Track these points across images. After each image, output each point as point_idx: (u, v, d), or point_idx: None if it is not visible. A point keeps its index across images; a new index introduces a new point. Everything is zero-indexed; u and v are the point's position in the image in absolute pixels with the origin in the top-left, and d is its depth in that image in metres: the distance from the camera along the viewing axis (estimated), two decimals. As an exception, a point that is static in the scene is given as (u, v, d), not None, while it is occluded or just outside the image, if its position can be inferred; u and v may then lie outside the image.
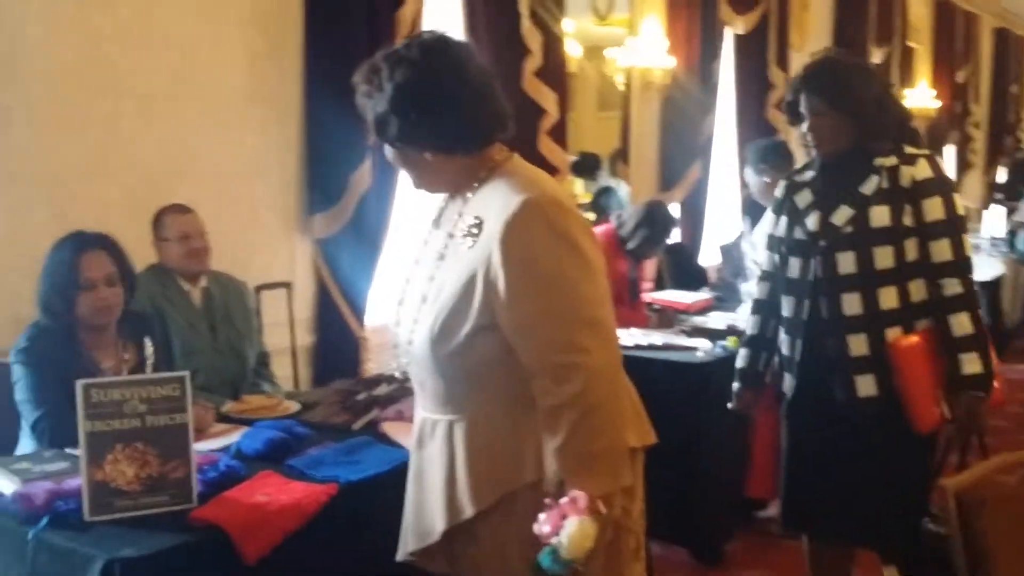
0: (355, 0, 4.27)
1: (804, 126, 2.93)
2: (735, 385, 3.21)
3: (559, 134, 5.41)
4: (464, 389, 2.05)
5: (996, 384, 2.90)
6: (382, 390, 3.03)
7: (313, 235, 4.42)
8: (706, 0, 6.66)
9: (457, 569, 2.12)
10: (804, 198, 2.98)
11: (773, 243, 3.08)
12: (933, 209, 2.84)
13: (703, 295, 5.15)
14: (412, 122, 1.99)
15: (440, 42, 2.04)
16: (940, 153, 11.50)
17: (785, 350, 3.01)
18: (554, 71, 5.33)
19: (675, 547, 4.11)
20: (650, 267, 5.70)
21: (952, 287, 2.84)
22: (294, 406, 3.13)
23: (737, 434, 4.02)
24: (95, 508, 2.24)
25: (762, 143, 4.79)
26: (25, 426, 2.93)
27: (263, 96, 4.25)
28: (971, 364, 2.83)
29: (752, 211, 5.11)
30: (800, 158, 3.25)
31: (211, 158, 4.10)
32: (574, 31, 6.26)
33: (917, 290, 2.87)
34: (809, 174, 3.03)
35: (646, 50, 6.36)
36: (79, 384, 2.25)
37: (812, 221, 2.93)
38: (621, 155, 6.68)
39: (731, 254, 5.17)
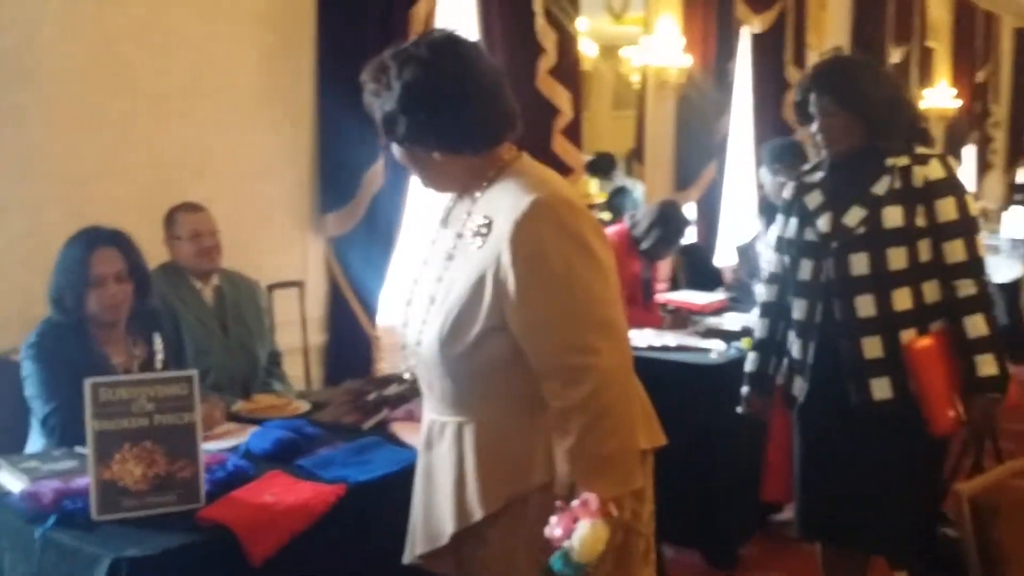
0: (369, -1, 4.27)
1: (814, 126, 2.90)
2: (744, 389, 3.18)
3: (573, 133, 5.39)
4: (473, 391, 2.03)
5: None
6: (392, 390, 3.02)
7: (326, 234, 4.41)
8: (723, -2, 6.65)
9: (465, 572, 2.10)
10: (814, 199, 2.95)
11: (782, 245, 3.05)
12: (946, 209, 2.81)
13: (718, 296, 5.11)
14: (420, 121, 1.97)
15: (449, 40, 2.03)
16: (959, 154, 11.44)
17: (796, 353, 2.98)
18: (568, 70, 5.31)
19: (689, 550, 4.08)
20: (664, 267, 5.69)
21: (966, 288, 2.81)
22: (304, 406, 3.12)
23: (752, 436, 3.98)
24: (102, 507, 2.24)
25: (776, 143, 4.76)
26: (35, 423, 2.94)
27: (276, 95, 4.24)
28: (986, 366, 2.80)
29: (767, 211, 5.07)
30: (815, 158, 3.21)
31: (224, 157, 4.10)
32: (589, 30, 6.24)
33: (931, 291, 2.84)
34: (819, 175, 2.99)
35: (661, 49, 6.33)
36: (87, 383, 2.25)
37: (823, 222, 2.90)
38: (636, 155, 6.66)
39: (747, 255, 5.13)
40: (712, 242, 6.91)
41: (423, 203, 4.46)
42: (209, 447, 2.65)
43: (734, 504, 4.06)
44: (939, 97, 10.87)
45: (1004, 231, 8.54)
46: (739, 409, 3.20)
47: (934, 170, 2.83)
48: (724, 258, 6.76)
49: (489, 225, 1.99)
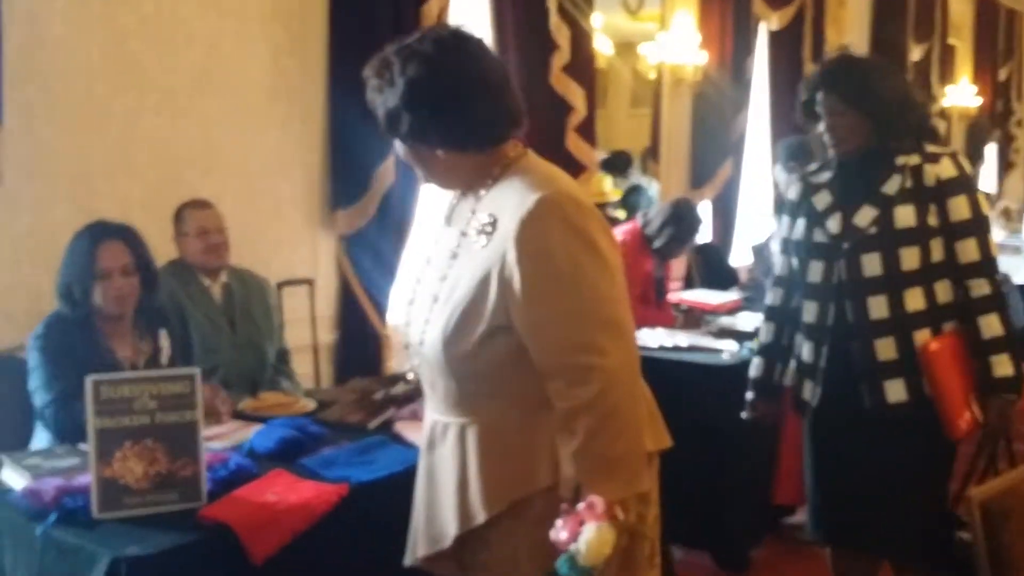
0: (380, -5, 4.25)
1: (821, 126, 2.86)
2: (748, 395, 3.14)
3: (587, 131, 5.35)
4: (477, 391, 2.00)
5: None
6: (399, 389, 3.01)
7: (336, 231, 4.40)
8: (740, -5, 6.61)
9: (467, 574, 2.07)
10: (823, 199, 2.90)
11: (788, 247, 3.01)
12: (959, 208, 2.77)
13: (732, 295, 5.07)
14: (424, 118, 1.94)
15: (454, 36, 2.00)
16: (981, 153, 11.35)
17: (808, 357, 2.93)
18: (582, 67, 5.28)
19: (699, 552, 4.05)
20: (679, 266, 5.65)
21: (980, 288, 2.78)
22: (310, 404, 3.11)
23: (763, 438, 3.96)
24: (103, 505, 2.23)
25: (791, 141, 4.72)
26: (38, 433, 2.95)
27: (286, 92, 4.23)
28: (1002, 366, 2.76)
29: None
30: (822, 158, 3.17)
31: (234, 154, 4.09)
32: (604, 26, 6.21)
33: (943, 291, 2.80)
34: (826, 175, 2.95)
35: (677, 46, 6.29)
36: (88, 380, 2.24)
37: (834, 223, 2.85)
38: (651, 153, 6.62)
39: (762, 254, 5.09)
40: (728, 241, 6.86)
41: (434, 200, 4.45)
42: (214, 445, 2.64)
43: (745, 506, 4.03)
44: (961, 95, 10.79)
45: (1027, 231, 8.46)
46: (743, 415, 3.16)
47: (946, 168, 2.79)
48: (740, 257, 6.72)
49: (494, 223, 1.96)
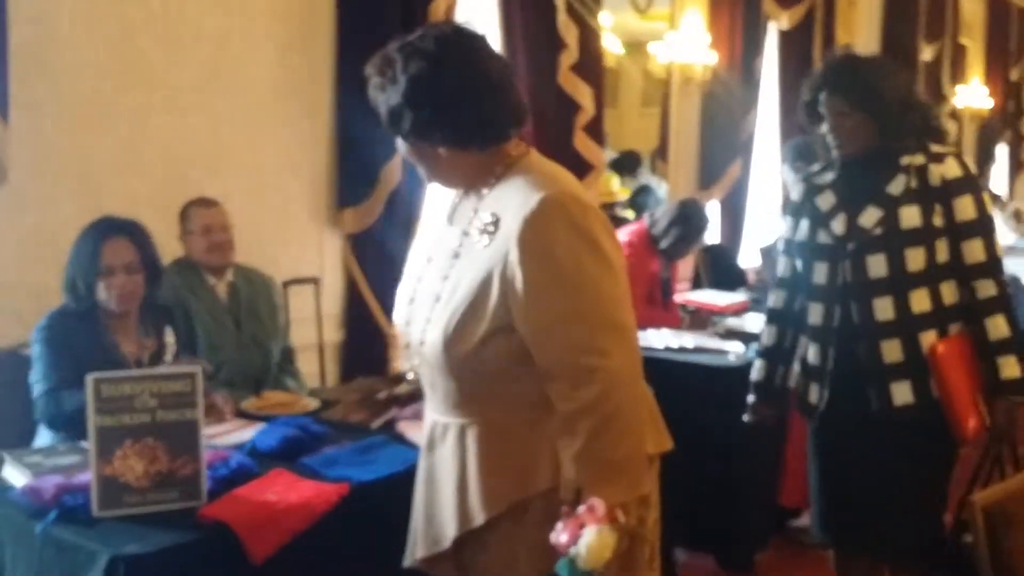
0: (387, -7, 4.25)
1: (824, 127, 2.84)
2: (749, 398, 3.13)
3: (595, 130, 5.34)
4: (477, 392, 1.99)
5: None
6: (402, 389, 3.00)
7: (343, 230, 4.39)
8: (749, -6, 6.59)
9: (465, 576, 2.07)
10: (827, 200, 2.89)
11: (793, 248, 2.99)
12: (965, 208, 2.75)
13: (739, 296, 5.06)
14: (426, 116, 1.93)
15: (456, 33, 1.99)
16: (992, 153, 11.30)
17: (814, 359, 2.92)
18: (591, 66, 5.27)
19: (703, 554, 4.04)
20: (686, 267, 5.63)
21: (986, 289, 2.76)
22: (313, 403, 3.10)
23: (770, 440, 3.94)
24: (103, 503, 2.22)
25: (799, 141, 4.70)
26: (42, 429, 2.96)
27: (294, 90, 4.23)
28: (1009, 368, 2.75)
29: (791, 211, 5.02)
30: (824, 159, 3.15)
31: (241, 152, 4.09)
32: (613, 25, 6.19)
33: (949, 292, 2.79)
34: (829, 176, 2.93)
35: (687, 45, 6.27)
36: (89, 378, 2.24)
37: (838, 224, 2.83)
38: (660, 153, 6.60)
39: (770, 255, 5.07)
40: (736, 242, 6.84)
41: (440, 199, 4.45)
42: (216, 444, 2.64)
43: (749, 508, 4.01)
44: (972, 96, 10.74)
45: (1037, 232, 8.43)
46: (745, 417, 3.14)
47: (951, 168, 2.77)
48: (749, 258, 6.70)
49: (496, 223, 1.96)
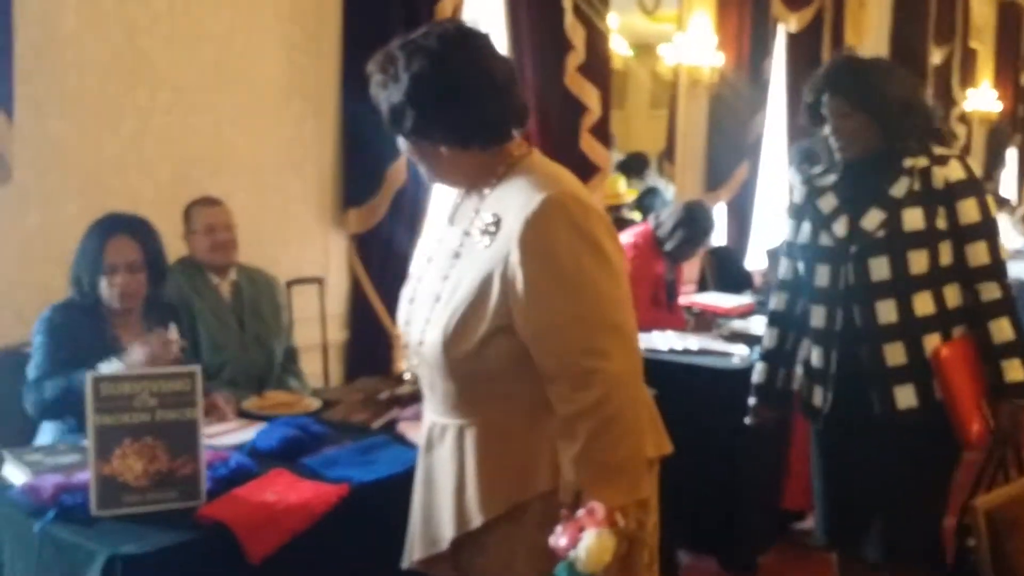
0: (394, -7, 4.24)
1: (826, 128, 2.83)
2: (751, 400, 3.11)
3: (602, 131, 5.33)
4: (477, 393, 1.98)
5: None
6: (404, 389, 2.99)
7: (348, 230, 4.39)
8: (757, -4, 6.57)
9: (463, 578, 2.06)
10: (828, 202, 2.87)
11: (793, 251, 2.98)
12: (968, 211, 2.73)
13: (744, 299, 5.04)
14: (428, 114, 1.92)
15: (459, 32, 1.98)
16: (1003, 157, 11.26)
17: (817, 362, 2.90)
18: (598, 67, 5.26)
19: (706, 557, 4.03)
20: (692, 269, 5.62)
21: (990, 292, 2.75)
22: (315, 403, 3.10)
23: (774, 443, 3.93)
24: (102, 503, 2.22)
25: (805, 143, 4.69)
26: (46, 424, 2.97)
27: (299, 89, 4.23)
28: (1013, 371, 2.73)
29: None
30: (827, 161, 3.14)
31: (246, 151, 4.09)
32: (621, 27, 6.18)
33: (953, 295, 2.77)
34: (831, 177, 2.91)
35: (694, 47, 6.25)
36: (89, 376, 2.24)
37: (840, 226, 2.82)
38: (667, 154, 6.59)
39: (777, 258, 5.05)
40: (744, 244, 6.82)
41: (445, 200, 4.44)
42: (215, 443, 2.64)
43: (754, 511, 4.00)
44: (982, 99, 10.71)
45: (1046, 237, 8.38)
46: (747, 420, 3.13)
47: (954, 171, 2.75)
48: (756, 261, 6.68)
49: (498, 223, 1.94)
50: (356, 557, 2.38)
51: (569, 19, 5.07)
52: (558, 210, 1.89)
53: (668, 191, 6.83)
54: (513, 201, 1.93)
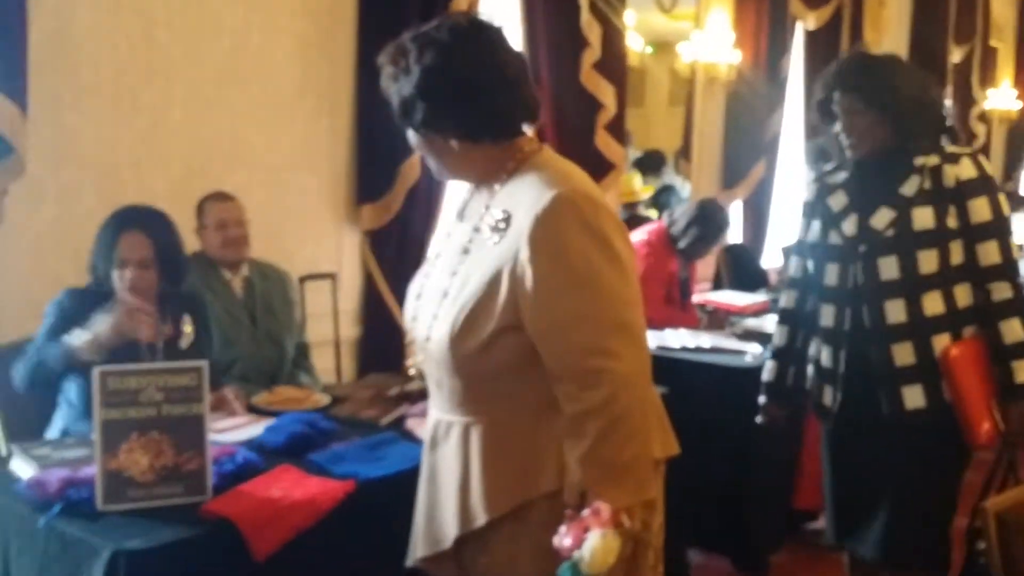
0: (408, -11, 4.23)
1: (837, 126, 2.81)
2: (761, 399, 3.09)
3: (617, 129, 5.32)
4: (483, 391, 1.96)
5: None
6: (413, 385, 2.99)
7: (361, 226, 4.39)
8: (776, -6, 6.54)
9: (467, 577, 2.05)
10: (838, 200, 2.85)
11: (803, 249, 2.96)
12: (979, 210, 2.70)
13: (758, 297, 5.01)
14: (439, 107, 1.91)
15: (472, 25, 1.96)
16: (1023, 158, 11.17)
17: (826, 362, 2.88)
18: (613, 64, 5.25)
19: (718, 556, 4.01)
20: (707, 267, 5.59)
21: (1002, 291, 2.71)
22: (324, 399, 3.09)
23: (786, 442, 3.91)
24: (108, 497, 2.22)
25: (820, 141, 4.66)
26: (60, 408, 2.98)
27: (314, 85, 4.23)
28: None
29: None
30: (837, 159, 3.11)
31: (260, 147, 4.10)
32: (638, 24, 6.17)
33: (963, 295, 2.74)
34: (842, 175, 2.89)
35: (712, 44, 6.23)
36: (96, 371, 2.23)
37: (849, 225, 2.80)
38: (684, 152, 6.57)
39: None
40: (760, 242, 6.79)
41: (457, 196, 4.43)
42: (224, 439, 2.64)
43: (765, 510, 3.98)
44: (1002, 98, 10.63)
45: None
46: (758, 419, 3.11)
47: (966, 169, 2.72)
48: (772, 259, 6.65)
49: (508, 219, 1.93)
50: (362, 554, 2.37)
51: (585, 16, 5.06)
52: (569, 208, 1.87)
53: (684, 189, 6.81)
54: (524, 197, 1.92)
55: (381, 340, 4.46)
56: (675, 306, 4.53)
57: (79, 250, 3.08)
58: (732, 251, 6.19)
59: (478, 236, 1.99)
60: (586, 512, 1.81)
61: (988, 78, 10.33)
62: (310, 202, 4.30)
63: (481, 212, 2.01)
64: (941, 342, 2.71)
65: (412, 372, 2.65)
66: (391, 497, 2.39)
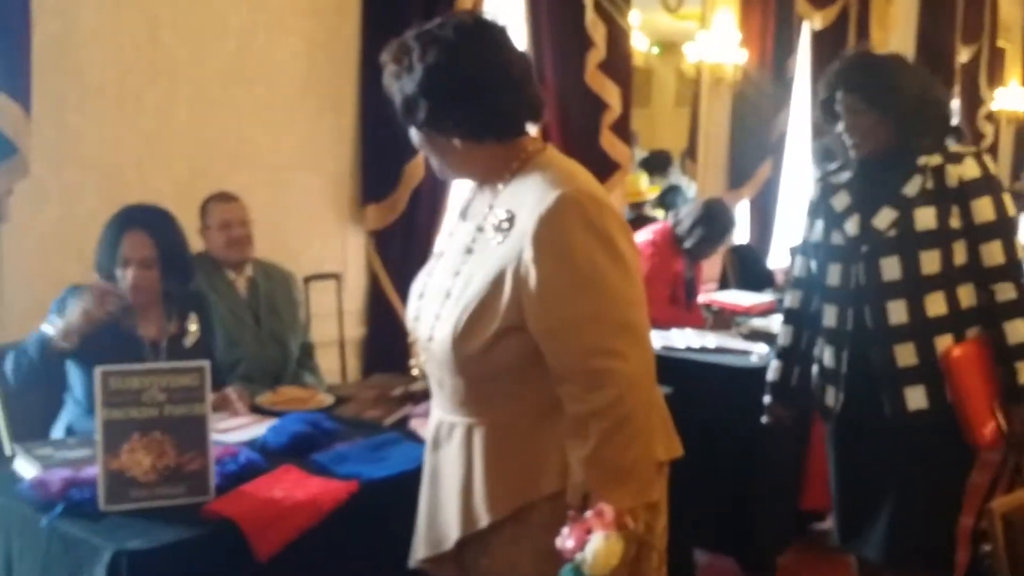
0: (413, -11, 4.22)
1: (840, 125, 2.79)
2: (766, 399, 3.08)
3: (622, 129, 5.31)
4: (486, 391, 1.95)
5: None
6: (417, 386, 2.98)
7: (366, 226, 4.38)
8: (782, -7, 6.52)
9: (468, 579, 2.04)
10: (841, 200, 2.84)
11: (808, 249, 2.94)
12: (983, 210, 2.68)
13: (764, 297, 5.00)
14: (442, 106, 1.89)
15: (476, 23, 1.95)
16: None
17: (829, 362, 2.87)
18: (618, 64, 5.24)
19: (724, 557, 3.99)
20: (713, 267, 5.58)
21: (1005, 292, 2.70)
22: (328, 399, 3.08)
23: (793, 442, 3.90)
24: (110, 498, 2.21)
25: (826, 140, 4.65)
26: (66, 406, 2.99)
27: (318, 85, 4.23)
28: None
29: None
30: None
31: (264, 147, 4.09)
32: (643, 24, 6.16)
33: (966, 295, 2.72)
34: (846, 175, 2.87)
35: (717, 44, 6.22)
36: (97, 370, 2.23)
37: (852, 225, 2.78)
38: (690, 152, 6.56)
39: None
40: (766, 242, 6.78)
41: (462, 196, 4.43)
42: (227, 439, 2.63)
43: (772, 510, 3.96)
44: (1010, 98, 10.59)
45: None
46: (763, 419, 3.10)
47: (969, 169, 2.70)
48: (779, 259, 6.63)
49: (511, 219, 1.91)
50: (364, 555, 2.36)
51: (590, 16, 5.06)
52: (573, 208, 1.85)
53: (690, 189, 6.80)
54: (527, 197, 1.90)
55: (386, 340, 4.46)
56: (680, 306, 4.52)
57: (83, 250, 3.08)
58: (738, 251, 6.18)
59: (481, 236, 1.97)
60: (589, 514, 1.80)
61: (996, 78, 10.29)
62: (315, 202, 4.30)
63: (484, 211, 1.99)
64: (943, 343, 2.70)
65: (415, 372, 2.63)
66: (394, 498, 2.38)
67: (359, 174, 4.38)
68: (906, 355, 2.71)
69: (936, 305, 2.70)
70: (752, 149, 6.52)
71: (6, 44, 3.16)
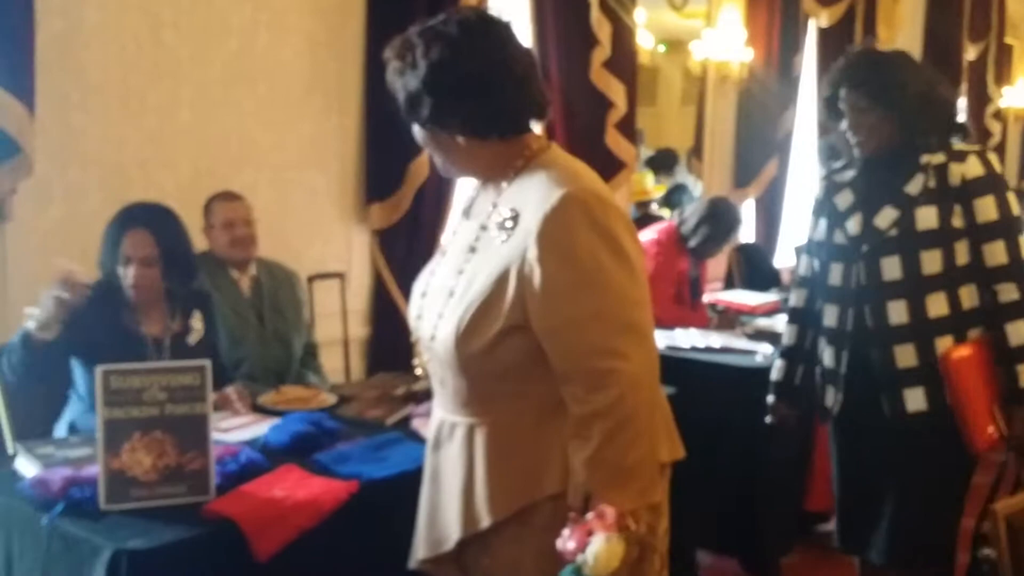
0: (417, -13, 4.22)
1: (844, 123, 2.77)
2: (769, 398, 3.07)
3: (627, 127, 5.30)
4: (488, 391, 1.94)
5: None
6: (420, 385, 2.97)
7: (370, 225, 4.38)
8: (788, -9, 6.50)
9: (468, 579, 2.03)
10: (845, 199, 2.82)
11: (812, 248, 2.93)
12: (985, 209, 2.66)
13: (770, 296, 4.98)
14: (445, 102, 1.88)
15: (480, 20, 1.94)
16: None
17: (829, 362, 2.86)
18: (623, 63, 5.23)
19: (728, 558, 3.98)
20: (717, 266, 5.56)
21: (1008, 293, 2.67)
22: (330, 399, 3.08)
23: (797, 443, 3.88)
24: (111, 497, 2.21)
25: (831, 139, 4.63)
26: (71, 402, 3.00)
27: (322, 84, 4.22)
28: None
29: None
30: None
31: (268, 146, 4.09)
32: (649, 23, 6.14)
33: (968, 296, 2.70)
34: (850, 173, 2.86)
35: (723, 42, 6.20)
36: (98, 370, 2.22)
37: (853, 224, 2.76)
38: (696, 151, 6.54)
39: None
40: (772, 241, 6.76)
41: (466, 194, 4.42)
42: (228, 438, 2.63)
43: (776, 511, 3.95)
44: (1017, 96, 10.55)
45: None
46: (767, 419, 3.09)
47: (972, 167, 2.68)
48: (785, 258, 6.61)
49: (515, 218, 1.90)
50: (365, 555, 2.36)
51: (595, 14, 5.04)
52: (577, 207, 1.84)
53: (697, 187, 6.78)
54: (532, 196, 1.89)
55: (390, 339, 4.45)
56: (685, 305, 4.51)
57: (86, 249, 3.08)
58: (744, 250, 6.16)
59: (485, 234, 1.96)
60: (590, 515, 1.78)
61: (1003, 76, 10.24)
62: (318, 201, 4.29)
63: (488, 210, 1.98)
64: (944, 344, 2.68)
65: (418, 371, 2.61)
66: (395, 498, 2.37)
67: (363, 173, 4.38)
68: (906, 356, 2.69)
69: (937, 306, 2.68)
70: (758, 147, 6.51)
71: (10, 44, 3.16)
